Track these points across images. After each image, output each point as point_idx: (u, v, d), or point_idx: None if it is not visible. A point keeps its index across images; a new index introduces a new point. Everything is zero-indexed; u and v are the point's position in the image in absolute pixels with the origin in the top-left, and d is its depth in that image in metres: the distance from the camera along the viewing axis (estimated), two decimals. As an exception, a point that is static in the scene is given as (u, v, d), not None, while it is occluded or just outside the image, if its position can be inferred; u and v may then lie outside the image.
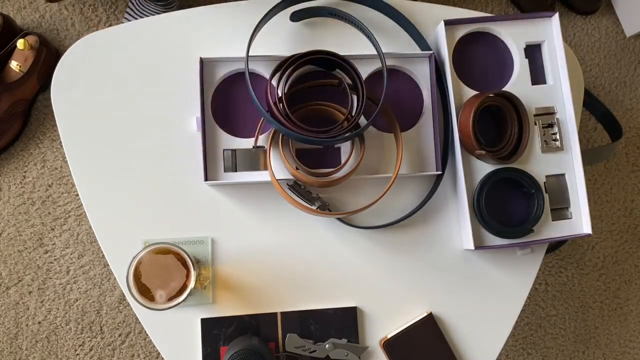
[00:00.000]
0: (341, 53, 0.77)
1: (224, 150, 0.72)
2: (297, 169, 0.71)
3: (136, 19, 1.19)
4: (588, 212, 0.74)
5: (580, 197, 0.75)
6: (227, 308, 0.73)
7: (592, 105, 1.14)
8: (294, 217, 0.75)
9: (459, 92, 0.75)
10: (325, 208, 0.73)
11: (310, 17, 0.77)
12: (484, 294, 0.76)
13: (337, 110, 0.72)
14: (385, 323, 0.75)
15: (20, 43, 1.15)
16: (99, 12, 1.31)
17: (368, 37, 0.72)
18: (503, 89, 0.76)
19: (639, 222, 1.40)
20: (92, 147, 0.73)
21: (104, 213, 0.73)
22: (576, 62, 0.82)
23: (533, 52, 0.78)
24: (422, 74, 0.76)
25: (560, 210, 0.76)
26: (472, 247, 0.72)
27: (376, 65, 0.75)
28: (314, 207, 0.73)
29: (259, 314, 0.73)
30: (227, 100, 0.74)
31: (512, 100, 0.74)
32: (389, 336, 0.73)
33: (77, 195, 1.25)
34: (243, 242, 0.74)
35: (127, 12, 1.28)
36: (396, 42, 0.79)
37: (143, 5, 1.26)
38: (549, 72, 0.77)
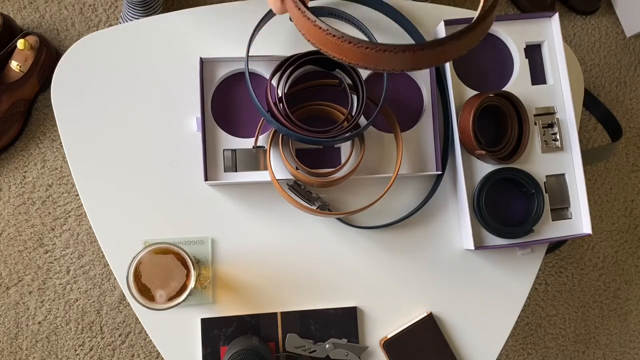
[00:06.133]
0: (341, 53, 0.77)
1: (224, 150, 0.72)
2: (297, 169, 0.71)
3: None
4: (588, 212, 0.74)
5: (580, 197, 0.75)
6: (227, 308, 0.73)
7: (592, 105, 1.14)
8: (294, 217, 0.75)
9: (459, 92, 0.75)
10: (325, 208, 0.73)
11: (310, 17, 0.77)
12: (484, 294, 0.76)
13: (337, 110, 0.72)
14: (385, 323, 0.75)
15: (20, 43, 1.15)
16: (99, 12, 1.31)
17: (368, 37, 0.72)
18: (503, 89, 0.76)
19: (639, 222, 1.40)
20: (92, 147, 0.73)
21: (104, 213, 0.73)
22: (576, 62, 0.82)
23: (533, 52, 0.78)
24: (422, 74, 0.76)
25: (560, 210, 0.76)
26: (472, 247, 0.72)
27: (376, 65, 0.75)
28: (314, 207, 0.73)
29: (259, 314, 0.73)
30: (227, 100, 0.74)
31: (512, 100, 0.74)
32: (389, 336, 0.73)
33: (77, 195, 1.25)
34: (243, 242, 0.74)
35: (126, 13, 1.28)
36: (396, 42, 0.79)
37: (128, 11, 1.26)
38: (549, 72, 0.77)
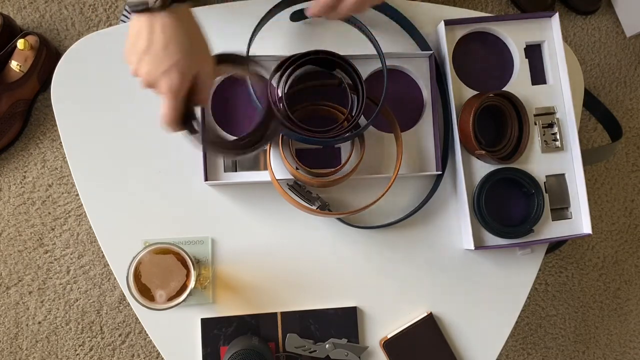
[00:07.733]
0: (341, 53, 0.77)
1: (224, 150, 0.72)
2: (297, 169, 0.71)
3: None
4: (588, 212, 0.74)
5: (580, 197, 0.75)
6: (227, 308, 0.73)
7: (592, 105, 1.14)
8: (294, 217, 0.75)
9: (459, 92, 0.75)
10: (325, 208, 0.73)
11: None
12: (484, 294, 0.76)
13: (337, 110, 0.72)
14: (385, 323, 0.75)
15: (20, 43, 1.15)
16: (99, 12, 1.31)
17: (368, 37, 0.72)
18: (503, 89, 0.76)
19: (639, 222, 1.40)
20: (92, 147, 0.73)
21: (104, 213, 0.73)
22: (576, 62, 0.82)
23: (533, 52, 0.78)
24: (422, 74, 0.76)
25: (560, 210, 0.76)
26: (472, 247, 0.72)
27: (376, 65, 0.75)
28: (314, 207, 0.73)
29: (259, 314, 0.73)
30: (227, 100, 0.74)
31: (512, 100, 0.74)
32: (389, 336, 0.73)
33: (77, 195, 1.25)
34: (243, 242, 0.74)
35: (124, 14, 1.28)
36: (396, 42, 0.79)
37: None
38: (549, 72, 0.77)
